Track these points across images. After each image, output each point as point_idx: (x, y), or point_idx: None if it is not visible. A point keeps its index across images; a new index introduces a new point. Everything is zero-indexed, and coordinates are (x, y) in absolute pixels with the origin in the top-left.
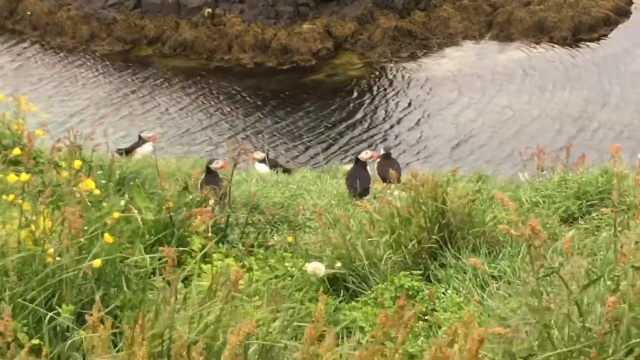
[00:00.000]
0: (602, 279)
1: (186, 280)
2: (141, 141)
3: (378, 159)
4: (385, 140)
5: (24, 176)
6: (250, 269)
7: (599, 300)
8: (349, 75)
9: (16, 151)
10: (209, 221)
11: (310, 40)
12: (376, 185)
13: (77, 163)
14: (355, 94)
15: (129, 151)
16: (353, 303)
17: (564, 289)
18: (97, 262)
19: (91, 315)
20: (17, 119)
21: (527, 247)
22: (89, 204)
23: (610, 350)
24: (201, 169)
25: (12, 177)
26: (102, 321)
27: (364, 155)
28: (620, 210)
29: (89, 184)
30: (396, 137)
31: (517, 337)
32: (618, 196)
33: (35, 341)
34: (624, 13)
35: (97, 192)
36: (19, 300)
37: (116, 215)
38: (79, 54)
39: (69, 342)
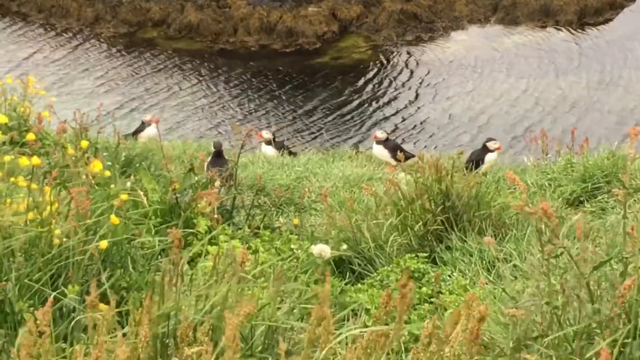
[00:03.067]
0: (609, 261)
1: (192, 262)
2: (145, 124)
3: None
4: (384, 122)
5: (35, 160)
6: (256, 251)
7: (608, 282)
8: (354, 59)
9: (30, 136)
10: (215, 203)
11: (316, 23)
12: (388, 168)
13: (85, 143)
14: (360, 77)
15: (134, 134)
16: (359, 285)
17: (571, 271)
18: (103, 244)
19: (101, 296)
20: (24, 102)
21: (537, 228)
22: (96, 186)
23: (619, 333)
24: (206, 151)
25: (24, 161)
26: (107, 302)
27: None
28: (628, 193)
29: (97, 165)
30: (401, 119)
31: (525, 319)
32: (628, 178)
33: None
34: None
35: (107, 173)
36: (25, 280)
37: (123, 197)
38: (84, 36)
39: (73, 322)
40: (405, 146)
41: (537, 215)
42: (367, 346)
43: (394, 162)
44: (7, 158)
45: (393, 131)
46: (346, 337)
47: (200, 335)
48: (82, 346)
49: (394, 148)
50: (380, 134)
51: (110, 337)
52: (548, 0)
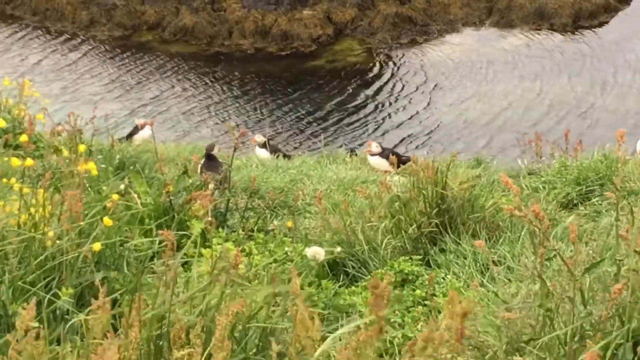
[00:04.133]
0: (602, 263)
1: (186, 264)
2: (138, 127)
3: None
4: (379, 124)
5: (29, 161)
6: (249, 254)
7: (601, 284)
8: (349, 62)
9: (23, 137)
10: (209, 205)
11: (311, 26)
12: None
13: (82, 147)
14: (355, 80)
15: (128, 137)
16: (353, 288)
17: (564, 273)
18: (97, 246)
19: (93, 298)
20: (18, 104)
21: (529, 231)
22: (89, 188)
23: (613, 335)
24: (200, 154)
25: (15, 161)
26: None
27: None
28: (621, 196)
29: (82, 162)
30: (395, 123)
31: (518, 321)
32: (620, 181)
33: (35, 324)
34: (624, 0)
35: (95, 172)
36: (19, 283)
37: (115, 197)
38: (78, 39)
39: (68, 324)
40: (398, 148)
41: (527, 218)
42: (357, 347)
43: (393, 170)
44: None
45: (384, 133)
46: (340, 339)
47: (193, 337)
48: (75, 349)
49: (389, 156)
50: (375, 148)
51: (104, 340)
52: (543, 3)
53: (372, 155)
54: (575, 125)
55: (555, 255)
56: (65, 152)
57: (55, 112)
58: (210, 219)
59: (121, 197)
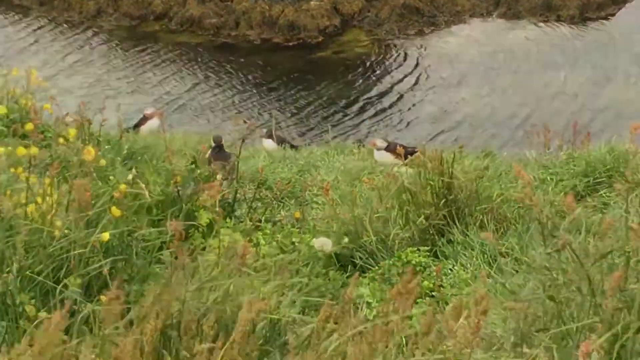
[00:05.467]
0: (610, 255)
1: (193, 254)
2: (147, 117)
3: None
4: (386, 116)
5: (33, 149)
6: (257, 244)
7: (608, 276)
8: (356, 52)
9: (29, 126)
10: (217, 196)
11: (317, 17)
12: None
13: (72, 132)
14: (362, 71)
15: (135, 127)
16: (361, 279)
17: (571, 264)
18: (105, 236)
19: (102, 289)
20: (26, 94)
21: (539, 221)
22: (96, 177)
23: (620, 327)
24: (208, 144)
25: (21, 150)
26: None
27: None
28: (630, 188)
29: (90, 151)
30: (402, 114)
31: (526, 313)
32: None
33: (43, 314)
34: None
35: (103, 162)
36: (27, 273)
37: (123, 187)
38: (85, 29)
39: (79, 316)
40: (406, 140)
41: (538, 207)
42: (372, 341)
43: (401, 162)
44: (1, 149)
45: (391, 124)
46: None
47: (206, 328)
48: (87, 339)
49: (395, 149)
50: (379, 142)
51: (115, 329)
52: None
53: (378, 150)
54: (582, 118)
55: (565, 247)
56: (73, 141)
57: (65, 105)
58: (218, 209)
59: (129, 187)
